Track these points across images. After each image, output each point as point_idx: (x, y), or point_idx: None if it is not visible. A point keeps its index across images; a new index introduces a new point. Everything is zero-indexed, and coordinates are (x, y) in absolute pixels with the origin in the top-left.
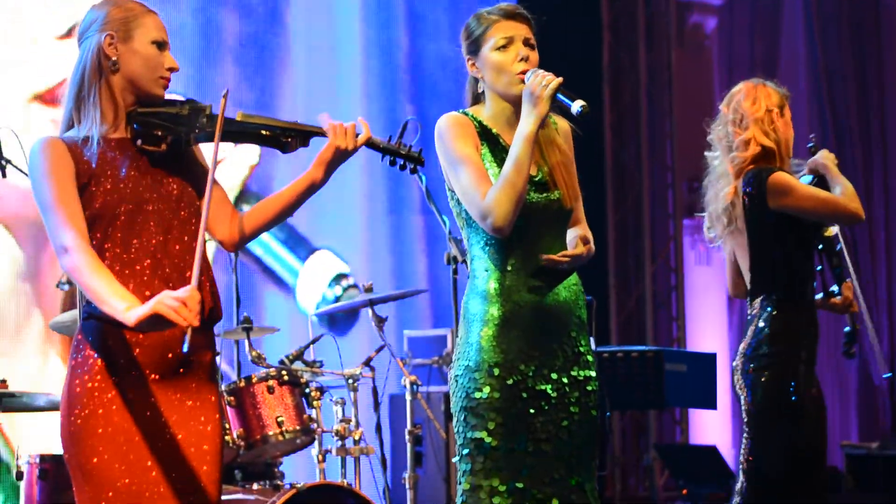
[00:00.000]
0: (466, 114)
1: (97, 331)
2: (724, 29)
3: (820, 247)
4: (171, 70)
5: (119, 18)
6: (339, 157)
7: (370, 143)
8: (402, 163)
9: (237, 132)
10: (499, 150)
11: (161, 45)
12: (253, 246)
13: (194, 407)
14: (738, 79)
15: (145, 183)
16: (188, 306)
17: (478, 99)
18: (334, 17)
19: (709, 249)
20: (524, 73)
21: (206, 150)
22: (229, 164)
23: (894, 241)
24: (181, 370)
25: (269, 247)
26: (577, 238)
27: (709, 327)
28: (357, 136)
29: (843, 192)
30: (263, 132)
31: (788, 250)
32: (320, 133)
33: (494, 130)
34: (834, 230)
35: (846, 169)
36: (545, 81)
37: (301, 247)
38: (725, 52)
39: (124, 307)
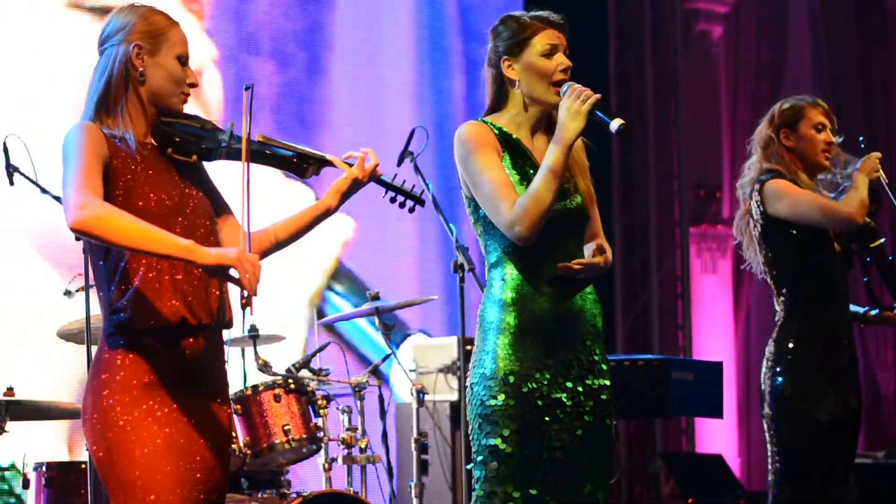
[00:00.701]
0: (485, 122)
1: (123, 344)
2: (731, 36)
3: (867, 259)
4: (192, 86)
5: (147, 31)
6: (355, 188)
7: (379, 180)
8: (402, 200)
9: (257, 152)
10: (520, 156)
11: (184, 60)
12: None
13: (213, 415)
14: (744, 86)
15: (179, 190)
16: (254, 280)
17: (500, 102)
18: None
19: (715, 258)
20: (560, 83)
21: (208, 167)
22: (319, 239)
23: None
24: (204, 380)
25: (360, 329)
26: (593, 248)
27: (715, 336)
28: (374, 171)
29: (847, 198)
30: (284, 155)
31: (796, 256)
32: (338, 164)
33: (515, 136)
34: (881, 240)
35: None
36: (584, 96)
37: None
38: (732, 59)
39: (189, 243)
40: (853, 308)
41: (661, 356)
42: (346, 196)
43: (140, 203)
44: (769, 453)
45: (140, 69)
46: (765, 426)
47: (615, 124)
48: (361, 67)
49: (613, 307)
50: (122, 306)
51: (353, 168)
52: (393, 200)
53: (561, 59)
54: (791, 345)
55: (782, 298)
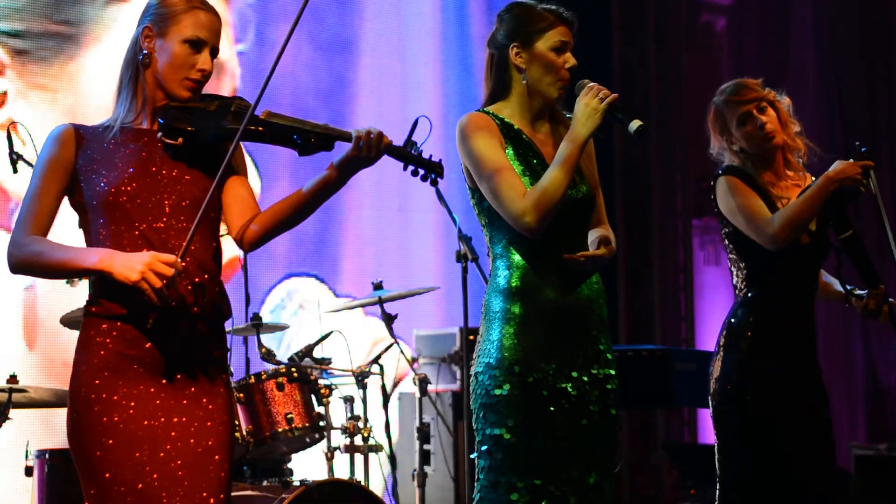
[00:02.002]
0: (487, 112)
1: (101, 326)
2: (734, 29)
3: (840, 249)
4: (202, 72)
5: (160, 12)
6: (360, 163)
7: (392, 152)
8: (424, 173)
9: (255, 132)
10: (522, 146)
11: (196, 45)
12: None
13: (202, 403)
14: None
15: (160, 176)
16: (171, 283)
17: (503, 91)
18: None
19: (718, 249)
20: (567, 80)
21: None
22: None
23: None
24: (187, 367)
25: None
26: (597, 239)
27: (717, 327)
28: (381, 146)
29: (782, 213)
30: (290, 134)
31: (754, 247)
32: (346, 138)
33: (516, 126)
34: (850, 231)
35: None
36: (602, 94)
37: None
38: (735, 52)
39: (98, 260)
40: (837, 287)
41: (663, 347)
42: (349, 170)
43: (99, 191)
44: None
45: (145, 51)
46: (711, 411)
47: (634, 125)
48: (388, 109)
49: (616, 298)
50: (96, 290)
51: (361, 147)
52: (415, 174)
53: (568, 57)
54: (745, 334)
55: (741, 284)
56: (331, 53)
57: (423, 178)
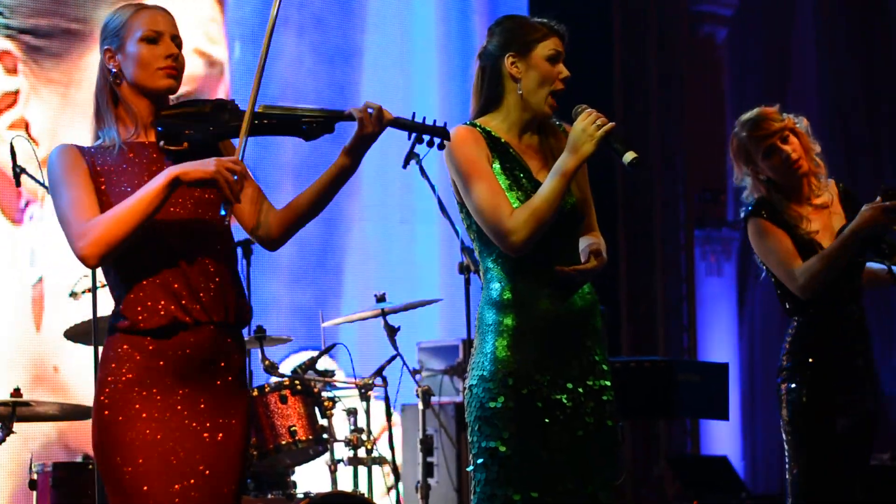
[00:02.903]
0: (475, 125)
1: (122, 343)
2: (736, 39)
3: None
4: (171, 56)
5: (111, 30)
6: (367, 141)
7: (395, 123)
8: (429, 139)
9: (262, 124)
10: (509, 160)
11: (152, 39)
12: None
13: (223, 415)
14: (749, 89)
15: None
16: (241, 177)
17: (494, 101)
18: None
19: (720, 260)
20: (559, 92)
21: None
22: None
23: None
24: (210, 377)
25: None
26: (588, 250)
27: (719, 337)
28: (382, 118)
29: (809, 264)
30: (289, 122)
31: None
32: (345, 117)
33: (504, 140)
34: None
35: (855, 178)
36: (599, 122)
37: None
38: (737, 62)
39: (168, 174)
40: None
41: (666, 358)
42: (359, 151)
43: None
44: (787, 458)
45: (114, 70)
46: (783, 433)
47: (629, 156)
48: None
49: (618, 309)
50: (119, 308)
51: (363, 123)
52: (420, 141)
53: (562, 69)
54: (805, 355)
55: (789, 307)
56: (333, 64)
57: (430, 144)
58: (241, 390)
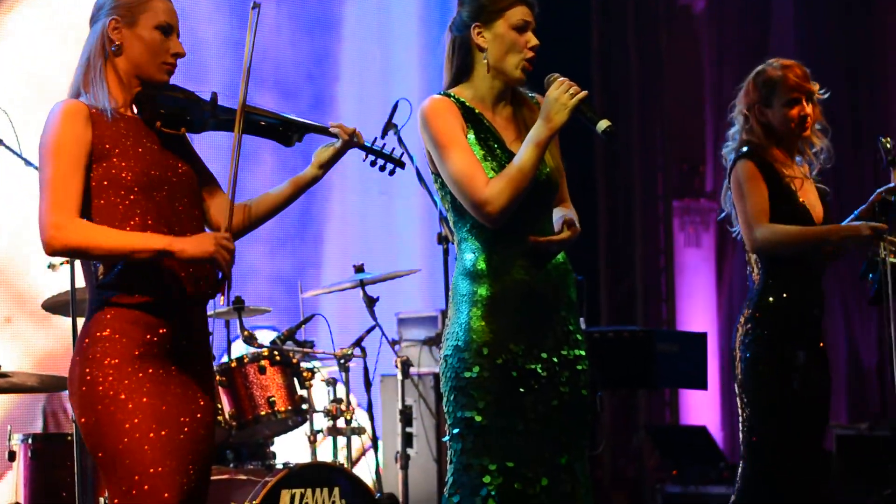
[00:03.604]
0: (450, 95)
1: (110, 318)
2: (714, 11)
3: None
4: (177, 56)
5: (126, 3)
6: (337, 156)
7: (359, 145)
8: (382, 164)
9: (248, 125)
10: (483, 131)
11: (167, 30)
12: None
13: (199, 386)
14: (728, 61)
15: (162, 163)
16: (231, 259)
17: (465, 72)
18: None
19: (698, 231)
20: (530, 59)
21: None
22: None
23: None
24: (190, 348)
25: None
26: (562, 221)
27: (698, 308)
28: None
29: (786, 228)
30: (269, 124)
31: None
32: (322, 131)
33: (478, 110)
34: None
35: (834, 151)
36: (572, 91)
37: None
38: (715, 34)
39: (167, 242)
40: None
41: (645, 328)
42: (329, 164)
43: (110, 180)
44: (742, 420)
45: (117, 42)
46: (737, 391)
47: (602, 125)
48: (369, 91)
49: (598, 280)
50: (109, 281)
51: (341, 138)
52: (373, 164)
53: (531, 37)
54: (764, 316)
55: (757, 271)
56: (312, 34)
57: (382, 169)
58: (210, 358)
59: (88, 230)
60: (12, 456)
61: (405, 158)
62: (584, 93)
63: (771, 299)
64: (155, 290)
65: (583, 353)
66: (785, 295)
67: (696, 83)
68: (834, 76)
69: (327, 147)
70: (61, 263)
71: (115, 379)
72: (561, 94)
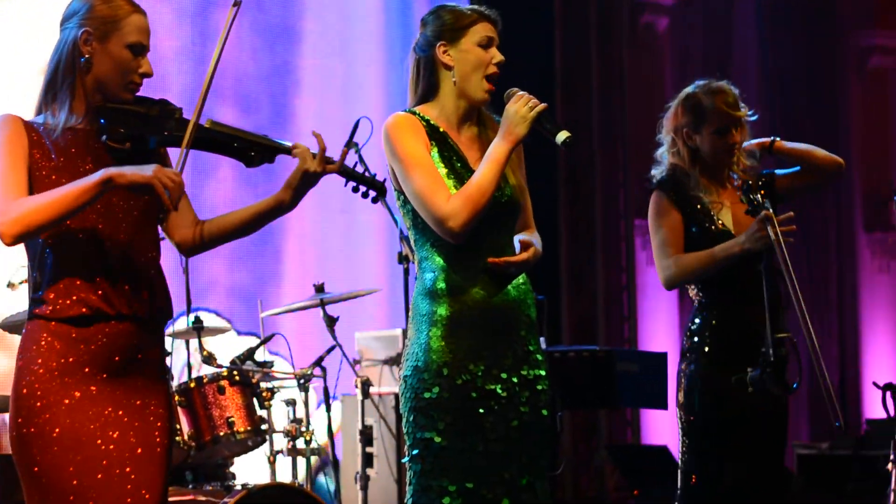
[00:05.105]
0: (415, 113)
1: (44, 330)
2: (677, 28)
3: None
4: (145, 76)
5: (101, 16)
6: (308, 181)
7: (338, 170)
8: (364, 190)
9: (205, 139)
10: (447, 149)
11: (138, 50)
12: None
13: (143, 406)
14: (690, 78)
15: None
16: (176, 192)
17: (431, 91)
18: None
19: None
20: (493, 76)
21: (173, 154)
22: None
23: (844, 241)
24: (129, 369)
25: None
26: (521, 243)
27: (660, 327)
28: (328, 161)
29: (690, 258)
30: (232, 143)
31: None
32: (287, 151)
33: (442, 129)
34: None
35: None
36: (531, 104)
37: None
38: (678, 51)
39: (104, 171)
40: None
41: (606, 347)
42: (299, 190)
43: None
44: (681, 442)
45: (87, 55)
46: (678, 414)
47: (561, 136)
48: (330, 107)
49: (559, 299)
50: (42, 294)
51: (304, 161)
52: (355, 190)
53: (495, 53)
54: (704, 336)
55: (694, 290)
56: (274, 47)
57: (364, 196)
58: (159, 382)
59: (26, 201)
60: None
61: (387, 184)
62: (542, 105)
63: (701, 325)
64: (86, 306)
65: (543, 373)
66: (715, 322)
67: (659, 101)
68: (795, 92)
69: (296, 170)
70: (20, 282)
71: (41, 393)
72: (520, 108)
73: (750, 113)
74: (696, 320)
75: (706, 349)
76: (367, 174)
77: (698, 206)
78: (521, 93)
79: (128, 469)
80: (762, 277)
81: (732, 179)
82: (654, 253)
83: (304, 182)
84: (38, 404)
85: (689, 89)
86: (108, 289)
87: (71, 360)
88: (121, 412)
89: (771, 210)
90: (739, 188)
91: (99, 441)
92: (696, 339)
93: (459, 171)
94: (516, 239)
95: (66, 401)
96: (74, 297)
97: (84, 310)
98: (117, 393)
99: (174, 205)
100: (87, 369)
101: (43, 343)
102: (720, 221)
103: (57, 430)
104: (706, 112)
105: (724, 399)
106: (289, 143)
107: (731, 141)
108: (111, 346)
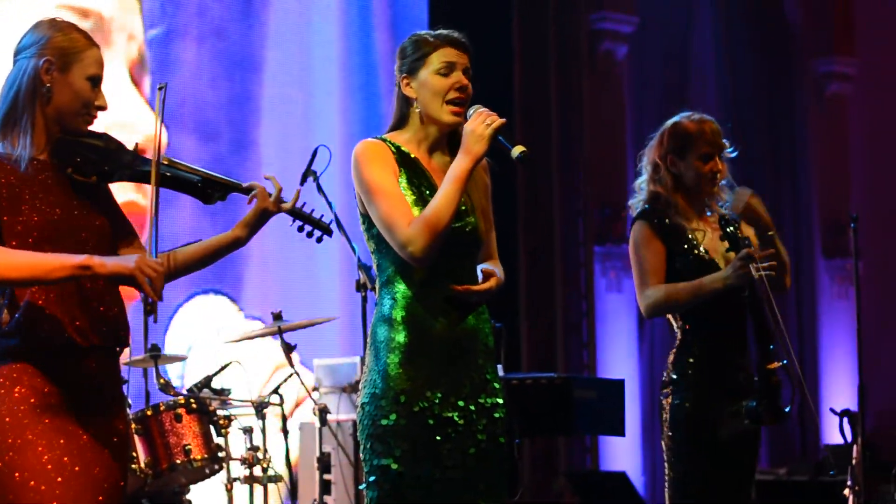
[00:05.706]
0: (384, 140)
1: (11, 365)
2: (635, 56)
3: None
4: (100, 108)
5: (61, 47)
6: (264, 218)
7: (289, 211)
8: (310, 230)
9: (170, 178)
10: (416, 175)
11: (95, 82)
12: None
13: (108, 437)
14: (648, 106)
15: (72, 211)
16: (159, 282)
17: (403, 121)
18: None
19: (620, 276)
20: (455, 101)
21: (114, 188)
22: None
23: (803, 268)
24: (98, 398)
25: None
26: (483, 272)
27: (620, 354)
28: (281, 201)
29: (670, 289)
30: (190, 180)
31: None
32: (241, 190)
33: (413, 155)
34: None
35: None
36: (489, 121)
37: None
38: (637, 79)
39: (85, 258)
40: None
41: (563, 375)
42: (255, 227)
43: (20, 227)
44: (666, 470)
45: (47, 85)
46: (664, 446)
47: (516, 151)
48: (290, 136)
49: (518, 325)
50: (11, 329)
51: (259, 200)
52: (300, 229)
53: (458, 78)
54: (687, 367)
55: (677, 322)
56: (233, 77)
57: (309, 235)
58: (122, 408)
59: (2, 253)
60: None
61: (332, 225)
62: (500, 121)
63: (685, 356)
64: (52, 339)
65: (500, 400)
66: (699, 352)
67: (618, 127)
68: (754, 118)
69: (253, 209)
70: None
71: (12, 428)
72: (478, 126)
73: (730, 150)
74: (681, 351)
75: (692, 380)
76: (324, 201)
77: (681, 234)
78: (482, 110)
79: (92, 499)
80: (746, 307)
81: (711, 207)
82: (635, 282)
83: (259, 221)
84: (8, 440)
85: (674, 119)
86: (79, 320)
87: (40, 393)
88: (89, 444)
89: (752, 248)
90: (717, 222)
91: (72, 477)
92: (680, 369)
93: (427, 197)
94: (479, 268)
95: (35, 437)
96: (45, 331)
97: (54, 344)
98: (90, 423)
99: (158, 295)
100: (55, 400)
101: (11, 378)
102: (703, 248)
103: (29, 470)
104: (692, 138)
105: (712, 430)
106: (244, 184)
107: (714, 168)
108: (82, 378)
